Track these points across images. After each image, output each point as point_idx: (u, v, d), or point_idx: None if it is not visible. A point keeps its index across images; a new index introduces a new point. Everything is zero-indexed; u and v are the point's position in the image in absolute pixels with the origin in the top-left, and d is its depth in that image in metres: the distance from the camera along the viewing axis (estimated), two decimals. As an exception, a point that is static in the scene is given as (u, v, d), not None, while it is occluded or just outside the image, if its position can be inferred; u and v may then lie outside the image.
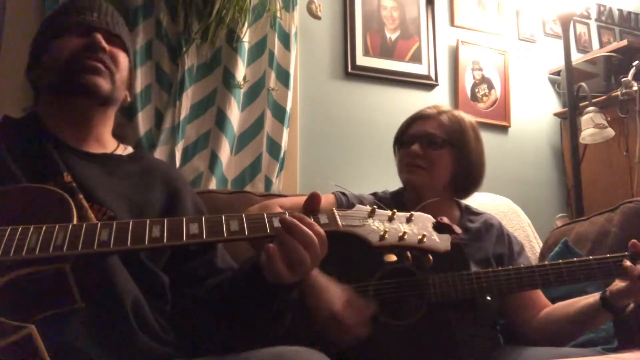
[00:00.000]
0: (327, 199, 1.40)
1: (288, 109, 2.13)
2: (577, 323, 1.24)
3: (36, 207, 0.79)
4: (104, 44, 1.00)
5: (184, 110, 1.93)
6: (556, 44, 2.92)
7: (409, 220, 0.83)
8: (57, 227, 0.71)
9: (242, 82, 2.03)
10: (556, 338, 1.27)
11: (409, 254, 0.80)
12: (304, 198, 1.43)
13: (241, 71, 2.04)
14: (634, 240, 1.16)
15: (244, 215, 0.78)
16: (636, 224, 1.54)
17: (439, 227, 0.84)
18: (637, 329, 1.43)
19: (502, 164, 2.66)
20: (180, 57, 1.93)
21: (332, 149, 2.38)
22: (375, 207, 0.84)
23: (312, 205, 0.83)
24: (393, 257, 0.80)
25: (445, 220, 0.84)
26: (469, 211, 1.47)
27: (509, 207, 2.04)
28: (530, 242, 1.96)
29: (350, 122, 2.43)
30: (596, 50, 3.04)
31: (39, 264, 0.70)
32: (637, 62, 2.53)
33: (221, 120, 1.99)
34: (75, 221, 0.76)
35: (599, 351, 1.35)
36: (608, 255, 1.17)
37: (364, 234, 0.80)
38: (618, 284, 1.15)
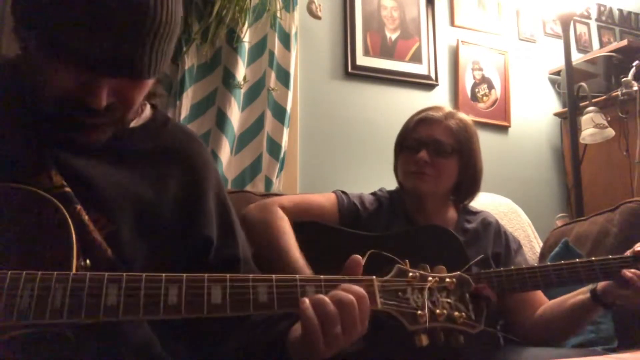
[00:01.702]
0: (328, 198, 1.40)
1: (288, 109, 2.13)
2: (571, 320, 1.25)
3: (27, 218, 0.65)
4: (104, 101, 0.69)
5: (184, 110, 1.93)
6: (556, 44, 2.91)
7: (447, 289, 0.77)
8: (54, 278, 0.59)
9: (242, 82, 2.03)
10: (552, 336, 1.28)
11: (442, 334, 0.75)
12: (303, 197, 1.44)
13: (241, 71, 2.04)
14: (637, 249, 1.17)
15: (274, 280, 0.68)
16: (636, 224, 1.54)
17: (476, 296, 0.78)
18: (637, 329, 1.43)
19: (502, 164, 2.66)
20: (180, 57, 1.93)
21: (332, 149, 2.38)
22: (418, 273, 0.77)
23: (353, 272, 0.74)
24: (425, 341, 0.73)
25: (486, 291, 0.80)
26: (466, 211, 1.47)
27: (509, 207, 2.04)
28: (531, 242, 1.96)
29: (350, 122, 2.43)
30: (596, 50, 3.04)
31: (34, 326, 0.59)
32: (637, 62, 2.53)
33: (221, 120, 1.99)
34: (74, 248, 0.65)
35: (599, 351, 1.34)
36: (610, 257, 1.17)
37: (400, 316, 0.73)
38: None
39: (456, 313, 0.75)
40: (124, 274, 0.62)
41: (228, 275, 0.66)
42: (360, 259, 0.75)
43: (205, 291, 0.64)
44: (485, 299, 0.78)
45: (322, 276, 0.71)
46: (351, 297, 0.67)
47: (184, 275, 0.64)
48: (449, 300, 0.76)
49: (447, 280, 0.77)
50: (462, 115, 1.43)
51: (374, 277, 0.74)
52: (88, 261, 0.68)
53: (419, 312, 0.73)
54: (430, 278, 0.76)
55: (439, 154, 1.34)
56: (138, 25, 0.65)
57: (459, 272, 0.79)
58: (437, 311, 0.74)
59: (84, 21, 0.63)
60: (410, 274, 0.76)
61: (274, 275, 0.68)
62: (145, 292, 0.62)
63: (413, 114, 1.45)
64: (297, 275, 0.70)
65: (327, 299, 0.67)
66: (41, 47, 0.67)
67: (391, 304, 0.73)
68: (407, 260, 0.78)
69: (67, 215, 0.66)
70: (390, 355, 1.13)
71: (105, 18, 0.63)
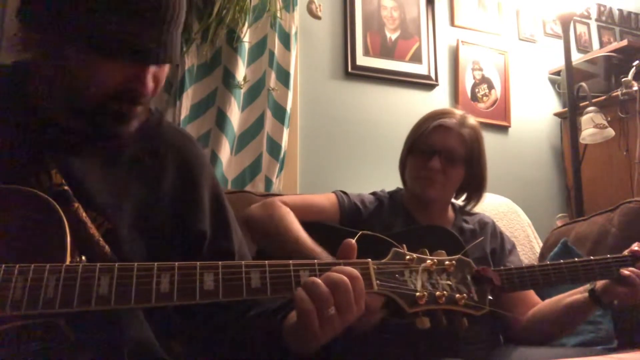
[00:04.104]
0: (328, 198, 1.41)
1: (288, 109, 2.13)
2: (566, 320, 1.26)
3: (23, 217, 0.66)
4: (150, 86, 0.73)
5: (184, 110, 1.93)
6: (556, 44, 2.92)
7: (448, 271, 0.74)
8: (46, 270, 0.60)
9: (242, 82, 2.03)
10: (544, 336, 1.29)
11: (444, 317, 0.72)
12: (304, 197, 1.45)
13: (241, 71, 2.04)
14: (634, 249, 1.17)
15: (267, 265, 0.68)
16: (636, 224, 1.54)
17: (478, 278, 0.76)
18: (637, 328, 1.43)
19: (502, 164, 2.66)
20: (181, 57, 1.93)
21: (332, 149, 2.38)
22: (415, 256, 0.74)
23: (347, 256, 0.73)
24: (427, 323, 0.71)
25: (490, 273, 0.76)
26: (463, 212, 1.49)
27: (509, 207, 2.04)
28: (530, 242, 1.96)
29: (350, 122, 2.43)
30: (596, 50, 3.04)
31: (26, 318, 0.60)
32: (637, 62, 2.53)
33: (221, 120, 1.99)
34: (68, 244, 0.65)
35: (599, 351, 1.35)
36: (609, 256, 1.18)
37: (398, 297, 0.70)
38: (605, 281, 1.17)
39: (457, 295, 0.73)
40: (116, 264, 0.62)
41: (220, 262, 0.66)
42: (352, 242, 0.74)
43: (198, 278, 0.64)
44: (488, 281, 0.76)
45: (315, 260, 0.70)
46: (344, 277, 0.67)
47: (176, 263, 0.64)
48: (449, 282, 0.74)
49: (447, 262, 0.75)
50: (472, 120, 1.43)
51: (369, 259, 0.72)
52: (84, 257, 0.68)
53: (418, 293, 0.71)
54: (428, 260, 0.74)
55: (450, 162, 1.36)
56: (164, 14, 0.71)
57: (458, 255, 0.77)
58: (437, 293, 0.72)
59: (127, 16, 0.68)
60: (407, 256, 0.74)
61: (266, 261, 0.68)
62: (137, 281, 0.62)
63: (427, 116, 1.44)
64: (290, 261, 0.69)
65: (318, 280, 0.66)
66: (85, 49, 0.69)
67: (388, 286, 0.71)
68: (404, 245, 0.76)
69: (62, 213, 0.66)
70: (395, 353, 1.13)
71: (145, 10, 0.69)
